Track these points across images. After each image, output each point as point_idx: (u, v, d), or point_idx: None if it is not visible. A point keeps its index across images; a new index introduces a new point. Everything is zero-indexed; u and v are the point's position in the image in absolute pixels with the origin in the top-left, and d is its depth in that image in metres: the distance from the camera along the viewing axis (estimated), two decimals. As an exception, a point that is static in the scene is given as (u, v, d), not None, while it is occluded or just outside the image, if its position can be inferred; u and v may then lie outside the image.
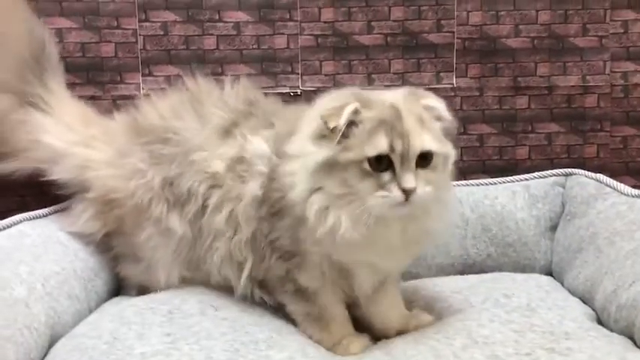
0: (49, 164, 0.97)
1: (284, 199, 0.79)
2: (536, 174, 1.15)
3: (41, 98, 1.00)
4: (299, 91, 1.20)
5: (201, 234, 0.89)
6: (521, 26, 1.21)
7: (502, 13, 1.21)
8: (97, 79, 1.16)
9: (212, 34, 1.18)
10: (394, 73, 1.20)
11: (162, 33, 1.17)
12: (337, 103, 0.75)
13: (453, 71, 1.21)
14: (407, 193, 0.72)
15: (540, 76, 1.22)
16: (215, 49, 1.18)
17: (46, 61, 1.03)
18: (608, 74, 1.23)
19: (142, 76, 1.17)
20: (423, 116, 0.76)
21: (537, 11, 1.21)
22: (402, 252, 0.80)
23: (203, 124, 0.92)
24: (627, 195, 1.01)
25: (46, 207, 1.00)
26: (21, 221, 0.94)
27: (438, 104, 0.79)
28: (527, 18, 1.21)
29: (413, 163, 0.74)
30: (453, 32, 1.21)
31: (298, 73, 1.20)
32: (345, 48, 1.20)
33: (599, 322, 0.87)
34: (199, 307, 0.84)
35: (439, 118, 0.79)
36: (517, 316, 0.84)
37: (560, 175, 1.14)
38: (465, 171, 1.20)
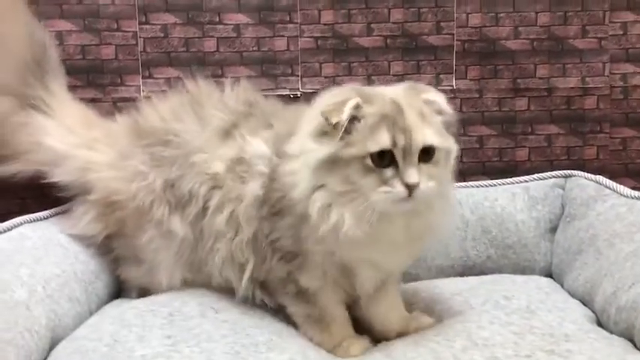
0: (50, 166, 0.97)
1: (285, 199, 0.79)
2: (535, 176, 1.15)
3: (42, 101, 1.00)
4: (299, 93, 1.20)
5: (202, 236, 0.89)
6: (520, 28, 1.21)
7: (501, 14, 1.21)
8: (98, 81, 1.17)
9: (212, 37, 1.18)
10: (394, 75, 1.21)
11: (162, 35, 1.17)
12: (338, 98, 0.75)
13: (452, 73, 1.22)
14: (410, 188, 0.72)
15: (540, 78, 1.23)
16: (215, 52, 1.18)
17: (47, 64, 1.04)
18: (608, 76, 1.23)
19: (142, 78, 1.18)
20: (423, 110, 0.76)
21: (537, 13, 1.21)
22: (405, 249, 0.80)
23: (203, 126, 0.92)
24: (627, 197, 1.01)
25: (46, 209, 1.00)
26: (21, 224, 0.94)
27: (439, 98, 0.79)
28: (526, 20, 1.21)
29: (415, 158, 0.73)
30: (453, 34, 1.21)
31: (298, 75, 1.20)
32: (344, 50, 1.20)
33: (599, 324, 0.87)
34: (200, 310, 0.85)
35: (440, 112, 0.78)
36: (517, 318, 0.84)
37: (559, 176, 1.14)
38: (464, 172, 1.20)
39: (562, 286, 1.03)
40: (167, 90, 1.06)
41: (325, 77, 1.20)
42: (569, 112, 1.23)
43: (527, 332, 0.79)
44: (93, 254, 0.97)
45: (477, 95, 1.23)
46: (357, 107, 0.74)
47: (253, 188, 0.84)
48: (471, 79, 1.22)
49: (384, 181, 0.73)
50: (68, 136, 0.98)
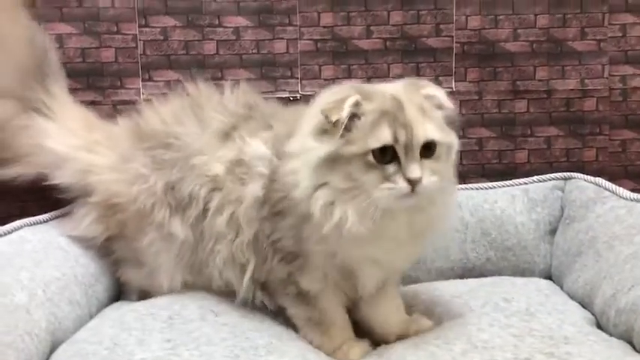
0: (51, 169, 0.98)
1: (286, 199, 0.79)
2: (535, 178, 1.15)
3: (44, 103, 1.01)
4: (298, 96, 1.20)
5: (202, 237, 0.90)
6: (519, 30, 1.21)
7: (501, 17, 1.21)
8: (98, 84, 1.17)
9: (212, 39, 1.18)
10: (393, 78, 1.20)
11: (162, 38, 1.18)
12: (338, 96, 0.75)
13: (452, 75, 1.22)
14: (413, 183, 0.72)
15: (539, 80, 1.23)
16: (215, 54, 1.19)
17: (47, 67, 1.04)
18: (607, 78, 1.23)
19: (142, 81, 1.18)
20: (424, 106, 0.76)
21: (536, 15, 1.21)
22: (408, 245, 0.80)
23: (203, 128, 0.92)
24: (626, 199, 1.01)
25: (46, 212, 1.00)
26: (22, 227, 0.94)
27: (438, 93, 0.79)
28: (525, 22, 1.21)
29: (417, 153, 0.73)
30: (452, 36, 1.21)
31: (298, 78, 1.20)
32: (344, 52, 1.20)
33: (599, 326, 0.87)
34: (200, 313, 0.85)
35: (440, 107, 0.78)
36: (516, 321, 0.84)
37: (559, 179, 1.14)
38: (464, 175, 1.20)
39: (561, 288, 1.03)
40: (167, 93, 1.06)
41: (325, 80, 1.20)
42: (568, 114, 1.24)
43: (526, 335, 0.79)
44: (93, 257, 0.97)
45: (477, 97, 1.23)
46: (357, 104, 0.74)
47: (253, 189, 0.84)
48: (470, 82, 1.22)
49: (387, 178, 0.73)
50: (69, 138, 0.99)
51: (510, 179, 1.16)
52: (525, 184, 1.15)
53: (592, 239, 0.99)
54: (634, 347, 0.79)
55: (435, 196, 0.77)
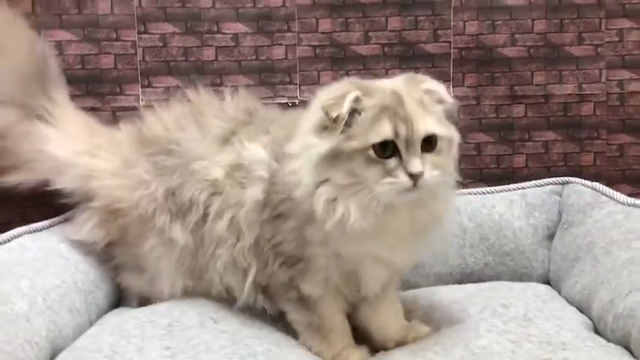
0: (53, 174, 0.98)
1: (287, 201, 0.79)
2: (533, 182, 1.15)
3: (45, 110, 1.01)
4: (297, 102, 1.20)
5: (203, 243, 0.90)
6: (517, 35, 1.22)
7: (498, 22, 1.22)
8: (97, 90, 1.17)
9: (211, 46, 1.19)
10: (391, 83, 1.21)
11: (161, 44, 1.18)
12: (338, 92, 0.75)
13: (449, 81, 1.22)
14: (414, 178, 0.72)
15: (537, 85, 1.23)
16: (214, 60, 1.19)
17: (48, 74, 1.05)
18: (604, 82, 1.23)
19: (141, 87, 1.18)
20: (424, 100, 0.76)
21: (533, 20, 1.22)
22: (410, 242, 0.80)
23: (204, 134, 0.93)
24: (623, 204, 1.02)
25: (47, 219, 1.00)
26: (21, 234, 0.94)
27: (438, 87, 0.79)
28: (523, 27, 1.22)
29: (418, 147, 0.73)
30: (450, 42, 1.22)
31: (296, 84, 1.21)
32: (342, 58, 1.20)
33: (597, 331, 0.87)
34: (199, 320, 0.85)
35: (440, 101, 0.78)
36: (514, 326, 0.84)
37: (557, 183, 1.15)
38: (462, 179, 1.20)
39: (559, 293, 1.03)
40: (166, 99, 1.07)
41: (323, 85, 1.20)
42: (566, 119, 1.24)
43: (524, 340, 0.80)
44: (93, 263, 0.97)
45: (475, 102, 1.23)
46: (357, 100, 0.74)
47: (253, 193, 0.84)
48: (468, 87, 1.23)
49: (388, 172, 0.73)
50: (71, 144, 0.99)
51: (508, 184, 1.17)
52: (523, 188, 1.15)
53: (590, 244, 0.99)
54: (631, 353, 0.79)
55: (437, 190, 0.77)
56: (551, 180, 1.15)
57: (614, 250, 0.93)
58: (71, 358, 0.79)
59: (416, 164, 0.72)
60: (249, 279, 0.87)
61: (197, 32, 1.18)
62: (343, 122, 0.73)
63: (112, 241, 0.96)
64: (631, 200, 1.02)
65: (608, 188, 1.07)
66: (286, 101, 1.20)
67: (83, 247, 0.97)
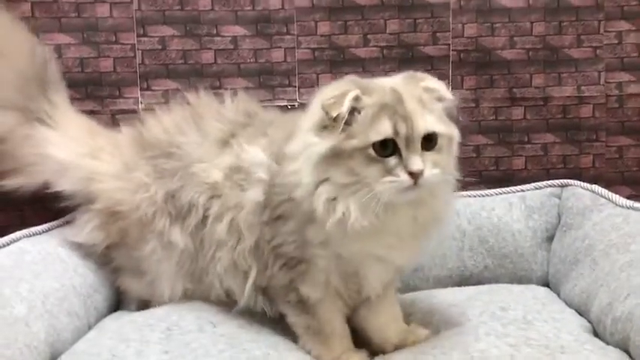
0: (54, 177, 0.98)
1: (287, 202, 0.79)
2: (532, 185, 1.15)
3: (46, 113, 1.02)
4: (296, 104, 1.20)
5: (202, 246, 0.90)
6: (516, 38, 1.22)
7: (497, 25, 1.22)
8: (96, 93, 1.17)
9: (210, 49, 1.19)
10: (390, 86, 1.21)
11: (160, 47, 1.18)
12: (337, 91, 0.75)
13: (448, 83, 1.22)
14: (415, 176, 0.72)
15: (535, 87, 1.23)
16: (213, 63, 1.19)
17: (48, 78, 1.05)
18: (603, 85, 1.24)
19: (140, 90, 1.18)
20: (423, 98, 0.76)
21: (532, 23, 1.22)
22: (411, 241, 0.80)
23: (203, 137, 0.93)
24: (622, 206, 1.02)
25: (46, 223, 1.00)
26: (20, 238, 0.94)
27: (438, 85, 0.79)
28: (521, 30, 1.22)
29: (418, 145, 0.73)
30: (449, 44, 1.22)
31: (295, 86, 1.21)
32: (341, 61, 1.20)
33: (596, 334, 0.87)
34: (198, 324, 0.85)
35: (440, 99, 0.78)
36: (513, 330, 0.84)
37: (556, 186, 1.15)
38: (461, 182, 1.20)
39: (559, 295, 1.03)
40: (165, 102, 1.07)
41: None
42: (565, 121, 1.24)
43: (523, 344, 0.80)
44: (92, 267, 0.97)
45: (474, 105, 1.23)
46: (357, 99, 0.74)
47: (253, 195, 0.84)
48: (467, 89, 1.23)
49: (388, 171, 0.73)
50: (72, 146, 0.99)
51: (507, 186, 1.16)
52: (522, 191, 1.15)
53: (588, 247, 0.99)
54: (630, 356, 0.79)
55: (437, 188, 0.77)
56: (550, 182, 1.15)
57: (613, 252, 0.93)
58: (70, 362, 0.79)
59: (416, 162, 0.72)
60: (250, 281, 0.87)
61: (196, 35, 1.18)
62: (343, 121, 0.73)
63: (111, 243, 0.96)
64: (629, 203, 1.02)
65: (606, 191, 1.07)
66: (285, 104, 1.20)
67: (83, 250, 0.97)
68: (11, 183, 0.99)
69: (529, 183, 1.16)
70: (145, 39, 1.18)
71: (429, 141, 0.74)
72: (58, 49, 1.15)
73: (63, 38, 1.16)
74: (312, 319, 0.84)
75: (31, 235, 0.96)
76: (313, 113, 0.77)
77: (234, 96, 0.99)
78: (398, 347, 0.86)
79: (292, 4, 1.19)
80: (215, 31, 1.19)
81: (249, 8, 1.18)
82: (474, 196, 1.15)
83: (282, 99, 1.21)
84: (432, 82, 0.79)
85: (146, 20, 1.17)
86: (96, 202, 0.95)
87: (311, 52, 1.20)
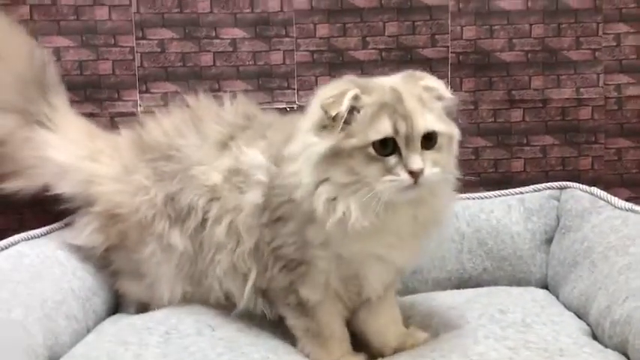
0: (54, 179, 0.98)
1: (287, 203, 0.79)
2: (531, 187, 1.15)
3: (45, 116, 1.02)
4: (295, 107, 1.21)
5: (202, 248, 0.90)
6: (515, 40, 1.22)
7: (496, 27, 1.22)
8: (95, 96, 1.17)
9: (209, 51, 1.19)
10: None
11: (159, 50, 1.18)
12: (336, 91, 0.75)
13: (447, 85, 1.22)
14: (415, 175, 0.72)
15: (534, 89, 1.23)
16: (212, 66, 1.19)
17: (47, 81, 1.05)
18: (602, 87, 1.24)
19: (139, 93, 1.18)
20: (423, 97, 0.76)
21: (531, 25, 1.22)
22: (411, 241, 0.80)
23: (202, 139, 0.93)
24: (621, 209, 1.02)
25: (44, 226, 1.00)
26: (19, 242, 0.94)
27: (437, 84, 0.79)
28: (520, 32, 1.22)
29: (418, 144, 0.73)
30: (448, 47, 1.22)
31: (294, 89, 1.21)
32: (340, 63, 1.21)
33: (594, 336, 0.87)
34: (196, 327, 0.85)
35: (439, 98, 0.78)
36: (512, 332, 0.84)
37: (554, 188, 1.14)
38: (460, 184, 1.20)
39: (557, 298, 1.03)
40: (164, 105, 1.07)
41: (321, 90, 1.20)
42: (564, 123, 1.24)
43: (521, 347, 0.80)
44: (91, 270, 0.97)
45: (472, 107, 1.23)
46: (356, 98, 0.74)
47: (252, 197, 0.84)
48: (466, 91, 1.23)
49: (388, 170, 0.72)
50: (72, 148, 0.99)
51: (506, 188, 1.16)
52: (521, 193, 1.15)
53: (587, 249, 0.99)
54: (629, 359, 0.79)
55: (437, 187, 0.77)
56: (549, 185, 1.15)
57: (612, 255, 0.93)
58: (69, 366, 0.79)
59: (416, 161, 0.72)
60: (249, 284, 0.87)
61: (195, 38, 1.18)
62: (342, 120, 0.73)
63: (111, 246, 0.96)
64: (628, 205, 1.02)
65: (605, 193, 1.07)
66: (284, 106, 1.21)
67: (82, 252, 0.97)
68: (11, 186, 0.99)
69: (528, 185, 1.16)
70: (144, 42, 1.18)
71: (429, 140, 0.74)
72: (57, 52, 1.15)
73: (62, 41, 1.16)
74: (312, 322, 0.84)
75: (29, 239, 0.96)
76: (312, 113, 0.77)
77: (233, 98, 0.99)
78: (397, 350, 0.86)
79: (291, 6, 1.19)
80: (214, 34, 1.19)
81: (248, 11, 1.18)
82: (473, 199, 1.15)
83: (281, 101, 1.21)
84: (431, 80, 0.79)
85: (145, 23, 1.17)
86: (95, 204, 0.95)
87: (310, 54, 1.20)
